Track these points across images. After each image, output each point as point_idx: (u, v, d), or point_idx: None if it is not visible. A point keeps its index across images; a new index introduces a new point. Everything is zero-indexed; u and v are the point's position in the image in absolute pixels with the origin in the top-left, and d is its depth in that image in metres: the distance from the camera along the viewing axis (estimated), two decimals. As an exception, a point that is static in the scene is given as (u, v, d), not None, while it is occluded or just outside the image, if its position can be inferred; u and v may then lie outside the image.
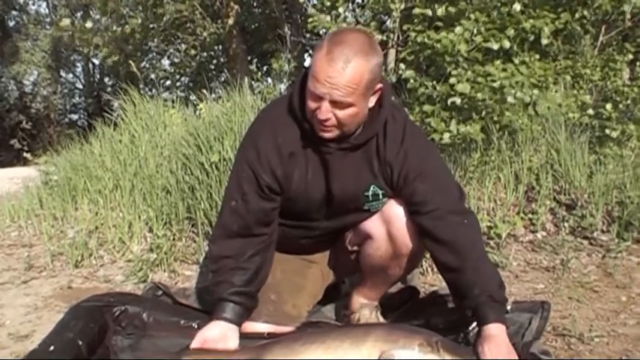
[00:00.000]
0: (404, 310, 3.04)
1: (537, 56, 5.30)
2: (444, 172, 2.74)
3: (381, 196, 2.66)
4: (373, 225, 2.70)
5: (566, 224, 4.61)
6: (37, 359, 2.39)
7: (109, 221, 4.90)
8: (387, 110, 2.57)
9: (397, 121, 2.61)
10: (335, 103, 2.37)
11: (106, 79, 21.60)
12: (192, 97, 7.65)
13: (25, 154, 7.76)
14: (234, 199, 2.61)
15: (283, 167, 2.58)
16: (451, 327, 2.71)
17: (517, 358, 2.28)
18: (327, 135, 2.48)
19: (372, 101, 2.49)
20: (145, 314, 2.78)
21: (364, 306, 2.90)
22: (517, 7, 4.85)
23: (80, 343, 2.50)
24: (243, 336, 2.61)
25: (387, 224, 2.67)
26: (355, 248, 2.87)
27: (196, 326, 2.77)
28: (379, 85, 2.47)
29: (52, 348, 2.43)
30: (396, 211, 2.65)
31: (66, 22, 7.93)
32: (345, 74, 2.31)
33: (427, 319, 2.82)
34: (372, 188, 2.64)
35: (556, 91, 5.17)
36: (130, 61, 7.61)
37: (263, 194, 2.60)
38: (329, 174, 2.63)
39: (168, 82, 8.44)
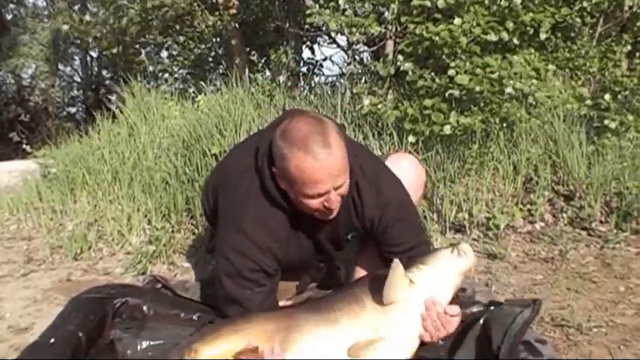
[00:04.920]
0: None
1: (537, 53, 5.29)
2: (411, 206, 2.88)
3: (357, 233, 2.84)
4: None
5: (564, 215, 4.61)
6: (37, 351, 2.39)
7: (108, 214, 4.90)
8: (355, 168, 2.61)
9: (366, 175, 2.70)
10: (337, 187, 2.44)
11: (104, 72, 21.56)
12: (191, 90, 7.65)
13: (24, 147, 7.76)
14: (248, 289, 2.61)
15: (283, 249, 2.65)
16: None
17: None
18: (334, 215, 2.57)
19: None
20: (146, 306, 2.79)
21: None
22: (517, 1, 4.83)
23: (80, 335, 2.51)
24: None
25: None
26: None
27: (196, 319, 2.79)
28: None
29: (52, 340, 2.44)
30: None
31: (64, 15, 7.93)
32: (334, 157, 2.38)
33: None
34: (351, 234, 2.83)
35: (553, 84, 5.16)
36: (136, 47, 7.62)
37: (272, 275, 2.66)
38: (316, 236, 2.78)
39: (166, 75, 8.42)
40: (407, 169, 3.00)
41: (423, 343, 2.47)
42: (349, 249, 2.96)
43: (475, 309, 2.72)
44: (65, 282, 4.10)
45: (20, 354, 2.43)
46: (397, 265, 2.42)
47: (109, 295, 2.79)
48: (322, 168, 2.36)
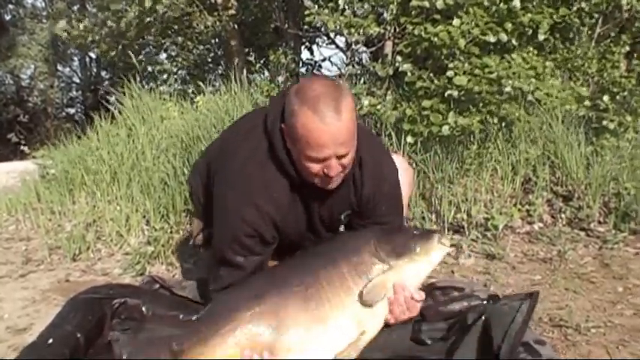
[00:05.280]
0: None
1: (535, 51, 5.29)
2: (400, 188, 2.91)
3: (349, 215, 2.83)
4: None
5: (563, 215, 4.62)
6: (35, 352, 2.39)
7: (107, 214, 4.90)
8: (361, 144, 2.60)
9: (371, 153, 2.71)
10: (339, 156, 2.42)
11: (103, 73, 21.56)
12: (190, 90, 7.64)
13: (22, 147, 7.76)
14: (240, 255, 2.60)
15: (282, 216, 2.62)
16: (449, 317, 2.73)
17: None
18: (333, 186, 2.55)
19: None
20: (145, 307, 2.78)
21: None
22: (517, 3, 4.84)
23: (79, 335, 2.50)
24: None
25: None
26: None
27: (195, 320, 2.77)
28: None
29: (50, 340, 2.43)
30: None
31: (62, 23, 7.94)
32: (342, 125, 2.35)
33: (423, 312, 2.81)
34: (344, 214, 2.81)
35: (552, 84, 5.16)
36: (130, 52, 7.61)
37: (269, 243, 2.65)
38: (312, 211, 2.75)
39: (165, 76, 8.42)
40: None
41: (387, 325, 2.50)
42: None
43: (474, 302, 2.72)
44: (64, 283, 4.10)
45: (19, 354, 2.43)
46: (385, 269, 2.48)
47: (107, 296, 2.79)
48: (328, 132, 2.34)
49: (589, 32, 6.21)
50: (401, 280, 2.46)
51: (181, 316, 2.81)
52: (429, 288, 3.04)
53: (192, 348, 2.35)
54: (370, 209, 2.77)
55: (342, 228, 2.87)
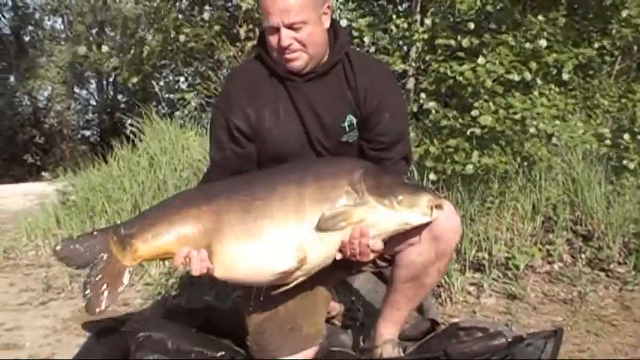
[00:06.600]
0: (425, 342, 3.04)
1: (557, 89, 5.30)
2: (400, 92, 3.03)
3: (355, 125, 2.72)
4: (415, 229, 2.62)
5: (583, 256, 4.59)
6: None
7: (127, 243, 4.90)
8: (345, 40, 2.73)
9: (360, 53, 2.92)
10: (291, 27, 2.51)
11: (120, 97, 21.72)
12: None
13: (42, 174, 7.82)
14: (213, 150, 2.72)
15: (253, 105, 2.65)
16: (474, 357, 2.73)
17: None
18: (296, 64, 2.59)
19: (325, 22, 2.63)
20: (169, 342, 2.79)
21: (387, 342, 2.89)
22: (543, 43, 4.87)
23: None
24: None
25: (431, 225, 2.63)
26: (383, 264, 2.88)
27: (220, 356, 2.78)
28: (327, 4, 2.63)
29: (76, 374, 2.45)
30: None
31: (82, 50, 8.02)
32: None
33: (447, 351, 2.81)
34: (348, 118, 2.71)
35: (575, 124, 5.16)
36: (152, 81, 7.66)
37: (236, 139, 2.65)
38: (301, 109, 2.68)
39: (185, 102, 8.46)
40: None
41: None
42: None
43: (498, 342, 2.71)
44: (85, 312, 4.10)
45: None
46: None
47: (132, 329, 2.80)
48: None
49: (608, 69, 6.23)
50: (369, 221, 2.38)
51: (206, 352, 2.81)
52: (452, 328, 3.05)
53: (140, 233, 2.43)
54: (372, 115, 2.69)
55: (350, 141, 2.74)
